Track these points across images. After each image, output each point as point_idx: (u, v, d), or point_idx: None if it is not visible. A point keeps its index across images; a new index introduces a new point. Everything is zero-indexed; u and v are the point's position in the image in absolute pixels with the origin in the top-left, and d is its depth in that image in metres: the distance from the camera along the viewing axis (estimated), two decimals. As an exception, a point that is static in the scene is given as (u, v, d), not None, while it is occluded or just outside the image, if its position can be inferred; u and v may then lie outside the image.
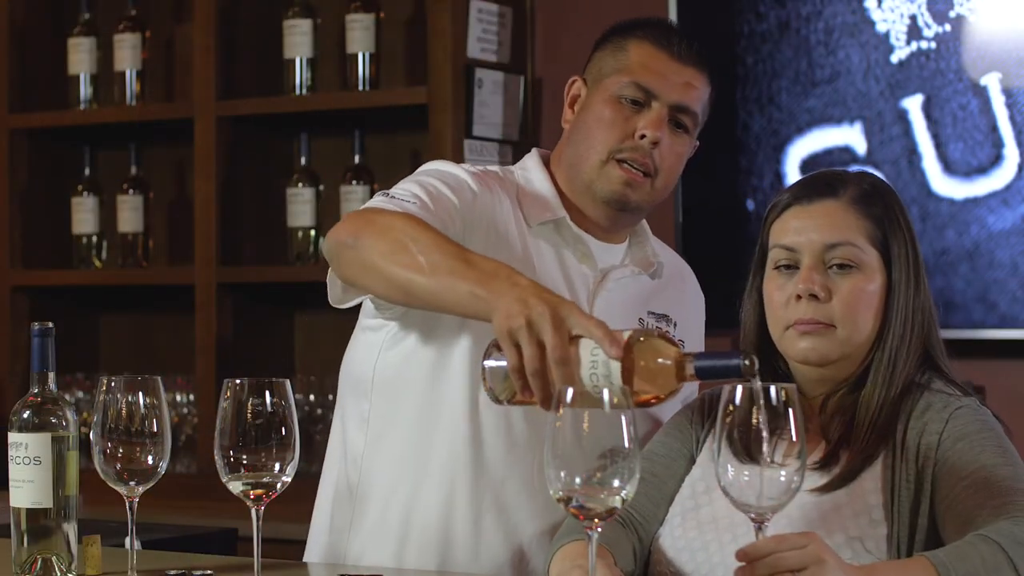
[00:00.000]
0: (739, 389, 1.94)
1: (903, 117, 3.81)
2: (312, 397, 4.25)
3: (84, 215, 4.54)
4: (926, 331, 2.29)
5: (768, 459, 1.92)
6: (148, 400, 2.21)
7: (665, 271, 2.67)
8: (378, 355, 2.55)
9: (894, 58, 3.82)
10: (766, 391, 1.93)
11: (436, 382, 2.50)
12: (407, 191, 2.42)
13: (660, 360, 1.98)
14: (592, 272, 2.57)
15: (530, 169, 2.62)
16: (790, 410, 1.93)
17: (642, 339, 1.99)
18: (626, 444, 1.83)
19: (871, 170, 3.89)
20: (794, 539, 1.92)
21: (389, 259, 2.24)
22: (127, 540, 2.25)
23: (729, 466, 1.93)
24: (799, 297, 2.25)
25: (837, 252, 2.25)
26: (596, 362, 1.98)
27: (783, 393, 1.93)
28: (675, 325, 2.64)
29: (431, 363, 2.51)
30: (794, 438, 1.92)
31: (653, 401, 2.00)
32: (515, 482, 2.49)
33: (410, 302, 2.30)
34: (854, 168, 3.66)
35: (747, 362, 1.94)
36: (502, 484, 2.50)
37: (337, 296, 2.44)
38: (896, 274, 2.27)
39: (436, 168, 2.54)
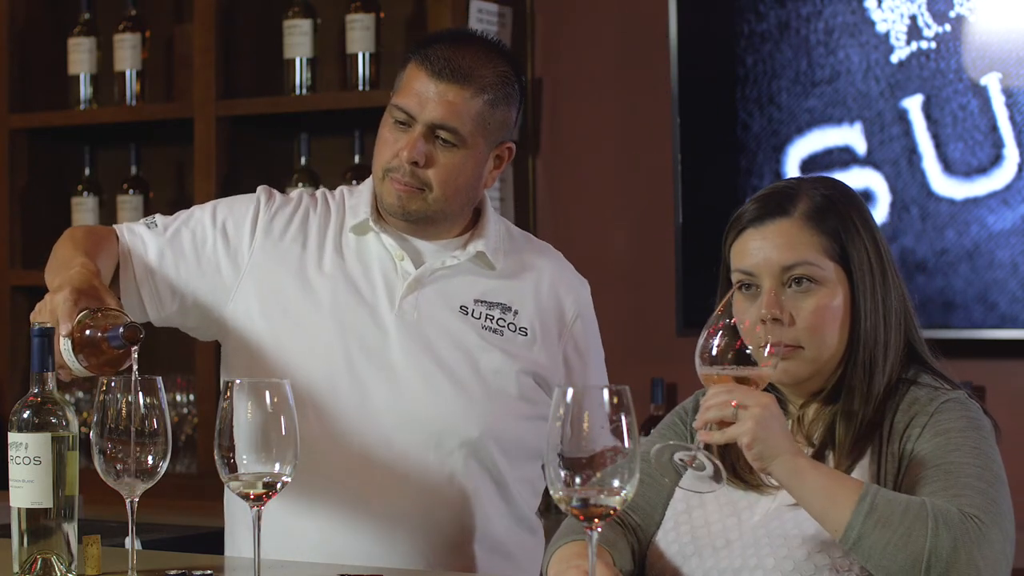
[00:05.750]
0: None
1: (903, 117, 3.81)
2: (312, 397, 4.24)
3: (84, 215, 4.53)
4: (904, 328, 2.28)
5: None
6: (148, 400, 2.21)
7: (512, 262, 2.73)
8: None
9: (894, 58, 3.82)
10: None
11: None
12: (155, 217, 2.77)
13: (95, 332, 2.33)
14: (410, 267, 2.67)
15: (364, 184, 2.75)
16: None
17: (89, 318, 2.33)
18: (626, 444, 1.83)
19: (871, 170, 3.90)
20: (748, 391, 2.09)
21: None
22: (127, 540, 2.25)
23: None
24: (764, 322, 2.24)
25: (795, 272, 2.24)
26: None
27: None
28: (515, 313, 2.71)
29: None
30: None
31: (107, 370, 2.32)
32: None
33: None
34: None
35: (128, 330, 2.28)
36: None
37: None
38: (859, 284, 2.26)
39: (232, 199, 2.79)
